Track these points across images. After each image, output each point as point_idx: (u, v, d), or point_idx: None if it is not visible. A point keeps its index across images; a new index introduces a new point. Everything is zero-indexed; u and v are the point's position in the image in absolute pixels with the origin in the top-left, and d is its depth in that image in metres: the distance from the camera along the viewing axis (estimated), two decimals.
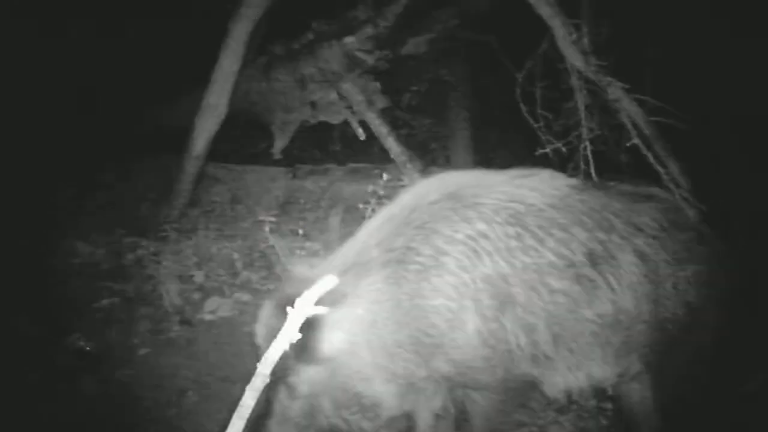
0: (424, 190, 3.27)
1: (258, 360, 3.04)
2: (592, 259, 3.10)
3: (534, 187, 3.23)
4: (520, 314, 3.04)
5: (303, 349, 2.88)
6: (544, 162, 4.67)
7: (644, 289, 3.14)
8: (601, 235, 3.14)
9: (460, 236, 3.06)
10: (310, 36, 6.54)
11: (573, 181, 3.42)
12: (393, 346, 3.07)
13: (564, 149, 4.95)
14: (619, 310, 3.11)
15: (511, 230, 3.08)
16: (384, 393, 3.13)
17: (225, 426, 2.17)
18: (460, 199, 3.15)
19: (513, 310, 3.03)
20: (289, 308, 2.34)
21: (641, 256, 3.15)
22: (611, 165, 4.94)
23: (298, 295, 2.72)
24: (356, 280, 3.04)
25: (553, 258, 3.07)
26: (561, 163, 4.82)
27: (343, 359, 3.05)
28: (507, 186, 3.22)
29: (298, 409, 3.06)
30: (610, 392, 3.58)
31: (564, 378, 3.20)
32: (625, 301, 3.11)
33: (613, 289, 3.10)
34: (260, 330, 3.14)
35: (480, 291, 3.02)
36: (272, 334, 3.03)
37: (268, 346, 3.04)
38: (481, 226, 3.08)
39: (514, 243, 3.07)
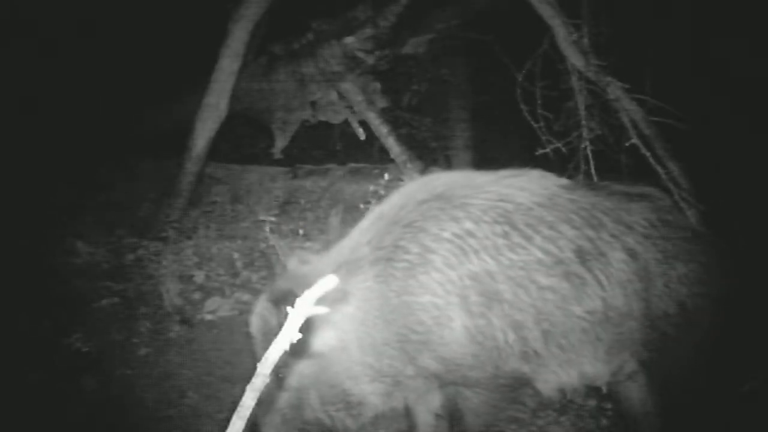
0: (414, 189, 3.31)
1: (255, 356, 3.08)
2: (581, 256, 3.11)
3: (523, 187, 3.25)
4: (508, 311, 3.05)
5: (296, 345, 2.89)
6: (544, 162, 4.67)
7: (634, 286, 3.14)
8: (590, 233, 3.15)
9: (447, 234, 3.08)
10: (310, 36, 6.54)
11: (563, 180, 3.44)
12: (381, 344, 3.10)
13: (564, 149, 4.95)
14: (609, 306, 3.11)
15: (498, 228, 3.11)
16: (369, 392, 3.16)
17: (225, 426, 2.17)
18: (449, 199, 3.18)
19: (500, 306, 3.05)
20: (289, 308, 2.34)
21: (631, 253, 3.15)
22: (611, 165, 4.94)
23: (292, 289, 2.75)
24: (348, 277, 3.06)
25: (540, 255, 3.09)
26: (561, 163, 4.82)
27: (333, 356, 3.09)
28: (496, 186, 3.24)
29: (286, 401, 3.11)
30: (604, 391, 3.58)
31: (556, 375, 3.20)
32: (614, 298, 3.11)
33: (602, 286, 3.11)
34: (255, 322, 3.17)
35: (467, 288, 3.04)
36: (266, 328, 3.07)
37: (262, 339, 3.08)
38: (469, 225, 3.10)
39: (501, 241, 3.09)
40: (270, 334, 3.10)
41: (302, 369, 3.08)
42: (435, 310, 3.04)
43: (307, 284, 3.07)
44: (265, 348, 3.15)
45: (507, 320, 3.05)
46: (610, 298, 3.11)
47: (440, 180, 3.33)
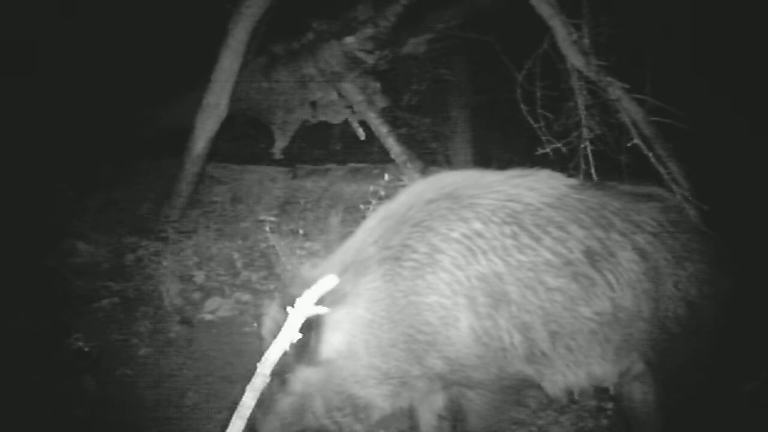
0: (422, 189, 3.29)
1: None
2: (590, 257, 3.10)
3: (531, 187, 3.24)
4: (515, 312, 3.05)
5: (303, 349, 2.89)
6: (544, 162, 4.66)
7: (644, 286, 3.13)
8: (600, 233, 3.14)
9: (455, 235, 3.08)
10: (310, 36, 6.55)
11: (571, 180, 3.43)
12: (388, 345, 3.08)
13: (564, 149, 4.94)
14: (618, 307, 3.11)
15: (507, 229, 3.10)
16: (376, 395, 3.15)
17: (225, 426, 2.18)
18: (458, 199, 3.17)
19: (507, 308, 3.04)
20: (289, 308, 2.34)
21: (641, 253, 3.14)
22: (611, 165, 4.93)
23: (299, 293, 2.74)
24: (355, 278, 3.05)
25: (549, 256, 3.08)
26: (561, 163, 4.81)
27: (341, 362, 3.07)
28: (504, 186, 3.23)
29: (288, 406, 3.08)
30: (612, 392, 3.58)
31: (564, 376, 3.20)
32: (624, 298, 3.11)
33: (611, 287, 3.10)
34: (268, 335, 3.14)
35: (474, 289, 3.03)
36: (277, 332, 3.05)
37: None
38: (478, 225, 3.09)
39: (509, 241, 3.08)
40: None
41: (309, 376, 3.05)
42: (442, 311, 3.03)
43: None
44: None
45: (514, 321, 3.05)
46: (620, 298, 3.10)
47: (448, 179, 3.32)
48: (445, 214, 3.12)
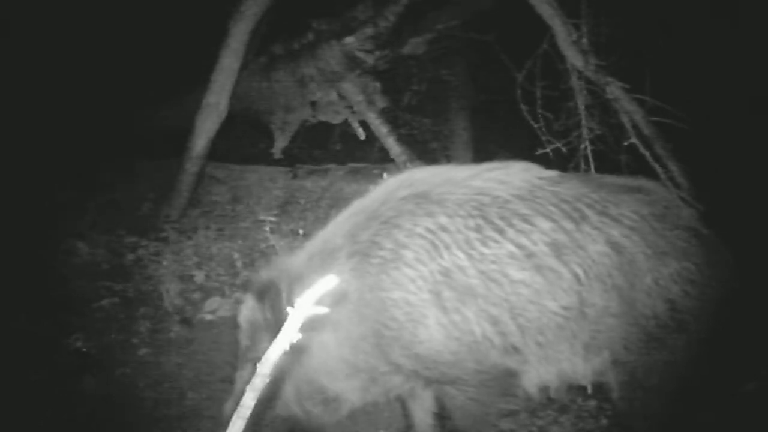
0: (396, 185, 3.30)
1: (238, 343, 3.09)
2: (557, 250, 3.04)
3: (502, 180, 3.22)
4: (482, 305, 3.03)
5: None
6: (544, 162, 4.66)
7: (616, 281, 3.04)
8: (569, 225, 3.07)
9: (419, 230, 3.08)
10: (310, 36, 6.55)
11: (549, 172, 3.34)
12: (357, 339, 3.10)
13: (564, 149, 4.95)
14: (585, 302, 3.03)
15: (471, 222, 3.09)
16: (346, 388, 3.17)
17: (225, 426, 2.18)
18: (427, 195, 3.17)
19: (474, 301, 3.02)
20: (289, 308, 2.34)
21: (615, 246, 3.05)
22: (611, 165, 4.94)
23: (273, 281, 2.96)
24: (321, 268, 3.05)
25: (512, 248, 3.05)
26: (561, 163, 4.81)
27: (311, 350, 3.08)
28: (476, 180, 3.23)
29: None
30: (590, 391, 3.51)
31: (537, 372, 3.15)
32: (591, 293, 3.03)
33: (578, 280, 3.02)
34: (242, 312, 3.20)
35: (439, 283, 3.03)
36: (253, 319, 3.09)
37: (247, 328, 3.12)
38: (443, 220, 3.09)
39: (473, 234, 3.07)
40: (256, 325, 3.11)
41: (280, 362, 3.07)
42: (407, 306, 3.03)
43: (287, 276, 3.14)
44: (249, 338, 3.21)
45: (483, 315, 3.03)
46: (587, 292, 3.03)
47: (421, 176, 3.32)
48: (413, 210, 3.13)
